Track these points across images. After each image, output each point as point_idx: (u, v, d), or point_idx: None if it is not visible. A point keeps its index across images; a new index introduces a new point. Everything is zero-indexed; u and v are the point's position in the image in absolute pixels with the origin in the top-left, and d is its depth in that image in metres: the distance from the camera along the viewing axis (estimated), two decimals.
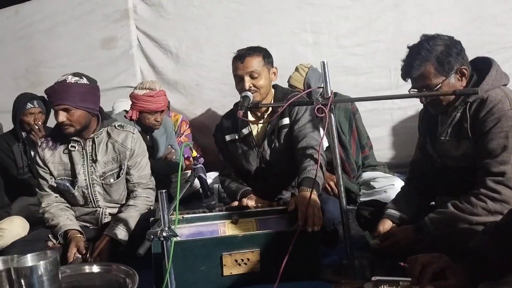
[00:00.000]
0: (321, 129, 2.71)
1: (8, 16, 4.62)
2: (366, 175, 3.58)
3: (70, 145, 2.58)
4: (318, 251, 2.13)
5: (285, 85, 3.32)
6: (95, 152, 2.59)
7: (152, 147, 3.62)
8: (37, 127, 3.47)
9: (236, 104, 2.73)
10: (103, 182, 2.62)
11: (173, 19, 4.36)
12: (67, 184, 2.60)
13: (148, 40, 4.45)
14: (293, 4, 4.14)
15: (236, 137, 2.70)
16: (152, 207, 2.70)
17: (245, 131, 2.66)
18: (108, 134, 2.64)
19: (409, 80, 2.09)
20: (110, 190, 2.65)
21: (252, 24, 4.20)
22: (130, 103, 3.55)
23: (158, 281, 1.89)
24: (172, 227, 1.67)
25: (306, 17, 4.14)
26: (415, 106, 3.87)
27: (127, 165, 2.64)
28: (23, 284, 1.56)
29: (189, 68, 4.39)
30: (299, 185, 2.27)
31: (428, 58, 1.97)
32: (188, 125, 4.32)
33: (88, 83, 2.49)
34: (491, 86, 1.96)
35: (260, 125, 2.66)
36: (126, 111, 3.54)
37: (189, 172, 3.25)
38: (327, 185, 3.09)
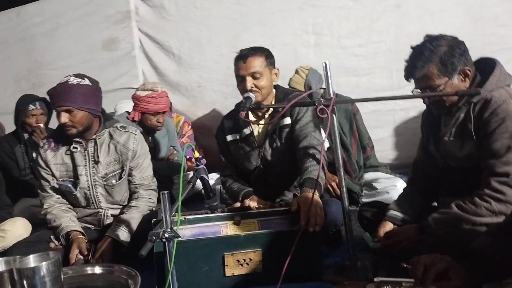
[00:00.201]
0: (322, 130, 2.71)
1: (9, 18, 4.63)
2: (368, 176, 3.57)
3: (72, 146, 2.58)
4: (320, 252, 2.13)
5: (286, 87, 3.32)
6: (97, 153, 2.59)
7: (154, 148, 3.62)
8: (39, 129, 3.48)
9: (237, 105, 2.73)
10: (105, 183, 2.62)
11: (175, 21, 4.36)
12: (69, 185, 2.60)
13: (150, 41, 4.45)
14: (295, 5, 4.14)
15: (238, 137, 2.70)
16: (154, 208, 2.71)
17: (246, 131, 2.66)
18: (110, 135, 2.64)
19: (412, 81, 2.09)
20: (112, 191, 2.65)
21: (253, 25, 4.20)
22: (132, 104, 3.55)
23: (160, 282, 1.89)
24: (174, 228, 1.67)
25: (307, 18, 4.14)
26: (417, 107, 3.86)
27: (129, 166, 2.64)
28: (25, 285, 1.56)
29: (191, 69, 4.39)
30: (301, 186, 2.26)
31: (431, 59, 1.96)
32: (190, 126, 4.32)
33: (90, 84, 2.50)
34: (495, 86, 1.96)
35: (261, 125, 2.66)
36: (128, 112, 3.54)
37: (191, 173, 3.25)
38: (329, 186, 3.09)
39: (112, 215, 2.69)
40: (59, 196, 2.67)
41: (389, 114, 4.12)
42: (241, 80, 2.52)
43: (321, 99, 2.13)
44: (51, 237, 2.54)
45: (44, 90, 2.58)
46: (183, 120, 4.29)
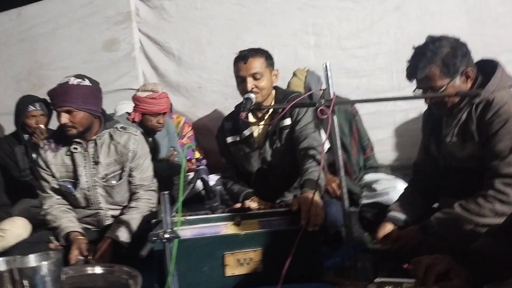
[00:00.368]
0: (322, 131, 2.71)
1: (10, 18, 4.63)
2: (368, 177, 3.57)
3: (72, 147, 2.58)
4: (320, 253, 2.13)
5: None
6: (97, 154, 2.59)
7: (154, 149, 3.61)
8: (39, 130, 3.48)
9: (237, 106, 2.73)
10: (105, 184, 2.62)
11: (176, 22, 4.36)
12: (69, 186, 2.60)
13: (150, 42, 4.46)
14: (295, 6, 4.14)
15: (238, 138, 2.70)
16: (154, 209, 2.70)
17: (246, 132, 2.66)
18: (111, 136, 2.64)
19: (413, 81, 2.09)
20: (112, 192, 2.65)
21: (254, 26, 4.21)
22: (133, 105, 3.55)
23: (161, 282, 1.88)
24: (175, 228, 1.67)
25: (308, 19, 4.15)
26: (417, 108, 3.87)
27: (130, 167, 2.64)
28: (26, 284, 1.56)
29: (191, 70, 4.39)
30: (301, 187, 2.27)
31: (434, 60, 1.96)
32: (190, 127, 4.32)
33: (90, 85, 2.50)
34: (497, 87, 1.95)
35: (261, 126, 2.66)
36: (129, 113, 3.54)
37: (191, 174, 3.25)
38: (329, 187, 3.09)
39: (112, 216, 2.69)
40: (59, 197, 2.66)
41: (389, 115, 4.12)
42: (241, 81, 2.52)
43: (321, 100, 2.13)
44: (51, 237, 2.54)
45: (45, 90, 2.58)
46: (184, 121, 4.29)
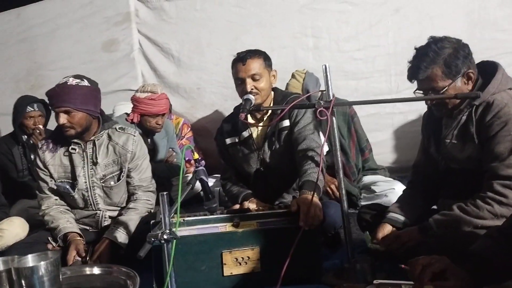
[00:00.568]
0: (321, 134, 2.71)
1: (10, 19, 4.63)
2: (367, 179, 3.58)
3: (70, 148, 2.58)
4: (319, 254, 2.13)
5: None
6: (96, 154, 2.58)
7: (153, 150, 3.61)
8: (38, 131, 3.47)
9: (236, 108, 2.74)
10: (103, 184, 2.61)
11: (175, 23, 4.36)
12: (67, 186, 2.59)
13: (150, 43, 4.45)
14: (294, 8, 4.15)
15: (237, 140, 2.70)
16: (152, 210, 2.70)
17: (245, 133, 2.66)
18: (109, 137, 2.63)
19: (412, 83, 2.09)
20: (110, 193, 2.65)
21: (253, 28, 4.21)
22: (131, 106, 3.55)
23: (159, 282, 1.88)
24: (173, 229, 1.66)
25: (307, 21, 4.15)
26: (416, 110, 3.88)
27: (128, 167, 2.63)
28: (23, 284, 1.55)
29: (190, 71, 4.39)
30: (300, 189, 2.26)
31: (436, 61, 1.96)
32: (189, 128, 4.32)
33: (89, 85, 2.49)
34: (497, 89, 1.96)
35: (260, 128, 2.66)
36: (127, 114, 3.53)
37: (190, 175, 3.24)
38: (328, 188, 3.09)
39: (110, 217, 2.68)
40: (57, 198, 2.66)
41: (388, 117, 4.13)
42: (240, 83, 2.52)
43: (321, 102, 2.14)
44: (49, 238, 2.54)
45: (43, 91, 2.57)
46: (183, 122, 4.30)
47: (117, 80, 4.49)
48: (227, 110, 2.97)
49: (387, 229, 2.19)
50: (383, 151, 4.08)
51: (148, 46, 4.46)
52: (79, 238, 2.49)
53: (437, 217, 2.00)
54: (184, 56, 4.38)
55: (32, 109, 3.51)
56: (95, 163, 2.58)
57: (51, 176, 2.61)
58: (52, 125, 3.17)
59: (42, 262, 1.60)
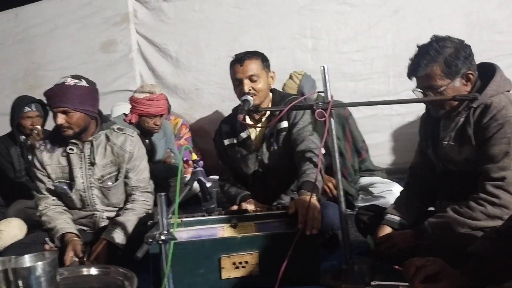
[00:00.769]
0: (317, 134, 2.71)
1: (8, 19, 4.63)
2: (364, 180, 3.58)
3: (68, 148, 2.57)
4: (317, 256, 2.12)
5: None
6: (94, 155, 2.57)
7: (151, 151, 3.61)
8: (36, 132, 3.46)
9: (235, 109, 2.74)
10: (101, 185, 2.61)
11: (174, 24, 4.37)
12: (65, 187, 2.58)
13: (148, 44, 4.46)
14: (293, 10, 4.16)
15: (235, 141, 2.70)
16: (150, 211, 2.69)
17: (243, 135, 2.66)
18: (107, 137, 2.63)
19: (411, 80, 2.09)
20: (108, 194, 2.64)
21: (252, 29, 4.22)
22: (128, 106, 3.54)
23: (156, 285, 1.87)
24: (171, 230, 1.66)
25: (306, 22, 4.16)
26: (414, 112, 3.89)
27: (126, 168, 2.63)
28: (20, 285, 1.55)
29: (188, 72, 4.39)
30: (299, 189, 2.26)
31: (436, 59, 1.96)
32: (188, 129, 4.32)
33: (87, 85, 2.49)
34: (495, 92, 1.96)
35: (258, 129, 2.66)
36: (125, 115, 3.53)
37: (188, 176, 3.24)
38: (325, 187, 3.09)
39: (107, 218, 2.67)
40: (54, 198, 2.65)
41: (385, 119, 4.14)
42: (238, 84, 2.52)
43: (319, 103, 2.14)
44: (46, 239, 2.52)
45: (41, 91, 2.56)
46: (181, 122, 4.30)
47: (116, 80, 4.49)
48: (226, 111, 2.97)
49: (387, 230, 2.19)
50: (381, 153, 4.09)
51: (146, 46, 4.46)
52: (76, 238, 2.48)
53: (432, 220, 2.01)
54: (183, 57, 4.38)
55: (30, 109, 3.50)
56: (92, 164, 2.58)
57: (48, 176, 2.60)
58: (50, 125, 3.17)
59: (39, 263, 1.59)
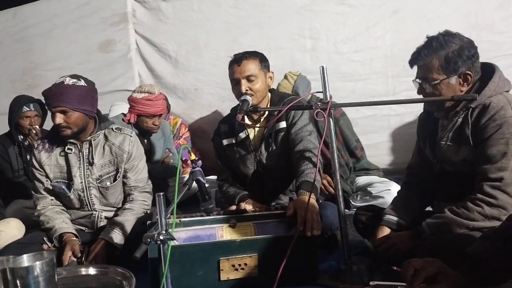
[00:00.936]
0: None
1: (6, 18, 4.61)
2: (362, 180, 3.57)
3: (66, 148, 2.57)
4: (316, 256, 2.12)
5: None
6: (92, 154, 2.57)
7: (150, 151, 3.60)
8: (34, 131, 3.46)
9: (233, 109, 2.74)
10: (99, 185, 2.60)
11: (172, 23, 4.36)
12: (63, 186, 2.58)
13: (147, 44, 4.45)
14: (292, 10, 4.15)
15: (233, 141, 2.70)
16: (148, 211, 2.69)
17: (242, 135, 2.66)
18: (105, 137, 2.62)
19: (410, 83, 2.10)
20: (106, 194, 2.64)
21: (251, 29, 4.21)
22: (127, 106, 3.54)
23: (155, 285, 1.87)
24: (170, 230, 1.66)
25: (304, 22, 4.16)
26: (412, 112, 3.89)
27: (124, 168, 2.62)
28: (18, 284, 1.54)
29: (187, 72, 4.39)
30: (298, 189, 2.26)
31: (437, 52, 1.97)
32: (187, 129, 4.32)
33: (85, 85, 2.48)
34: (494, 92, 1.96)
35: (257, 129, 2.66)
36: (124, 114, 3.52)
37: (186, 175, 3.24)
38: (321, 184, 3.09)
39: (106, 218, 2.67)
40: (52, 198, 2.64)
41: (384, 119, 4.14)
42: (236, 84, 2.52)
43: (318, 103, 2.14)
44: (44, 238, 2.52)
45: (39, 91, 2.56)
46: (180, 122, 4.30)
47: (114, 80, 4.48)
48: (224, 111, 2.97)
49: (386, 231, 2.19)
50: (380, 153, 4.09)
51: (145, 46, 4.45)
52: (74, 238, 2.48)
53: (430, 221, 2.01)
54: (181, 56, 4.37)
55: (28, 109, 3.49)
56: (91, 164, 2.57)
57: (46, 176, 2.60)
58: (48, 125, 3.16)
59: (38, 262, 1.58)
